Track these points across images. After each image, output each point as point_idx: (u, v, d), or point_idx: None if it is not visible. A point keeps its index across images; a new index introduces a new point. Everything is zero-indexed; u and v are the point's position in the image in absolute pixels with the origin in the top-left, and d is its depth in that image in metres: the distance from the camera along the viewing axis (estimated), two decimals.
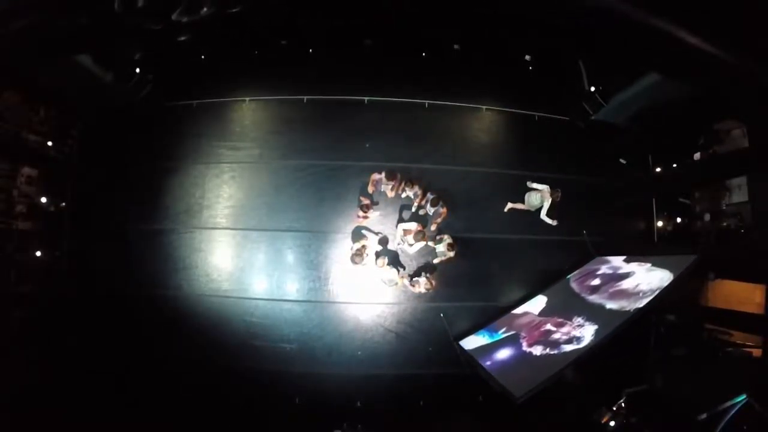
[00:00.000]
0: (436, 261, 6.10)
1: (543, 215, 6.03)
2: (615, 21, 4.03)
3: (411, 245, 5.75)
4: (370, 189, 6.00)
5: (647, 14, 3.90)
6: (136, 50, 5.98)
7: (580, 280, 6.11)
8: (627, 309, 4.91)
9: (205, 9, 4.75)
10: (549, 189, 5.99)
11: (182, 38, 5.51)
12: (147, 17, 4.58)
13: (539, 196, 6.02)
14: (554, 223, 6.08)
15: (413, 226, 5.70)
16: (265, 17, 5.85)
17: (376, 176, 5.86)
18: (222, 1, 4.88)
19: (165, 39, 5.43)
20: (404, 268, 6.15)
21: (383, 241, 6.22)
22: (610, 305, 5.19)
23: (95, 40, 5.15)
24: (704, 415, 4.54)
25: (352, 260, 5.67)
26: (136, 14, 4.37)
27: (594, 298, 5.54)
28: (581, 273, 6.26)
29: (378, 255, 5.79)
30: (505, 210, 6.43)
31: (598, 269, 6.10)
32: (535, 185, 6.13)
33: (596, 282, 5.82)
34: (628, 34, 4.21)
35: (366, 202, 5.91)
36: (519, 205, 6.34)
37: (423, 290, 5.77)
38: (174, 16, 4.69)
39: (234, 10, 5.06)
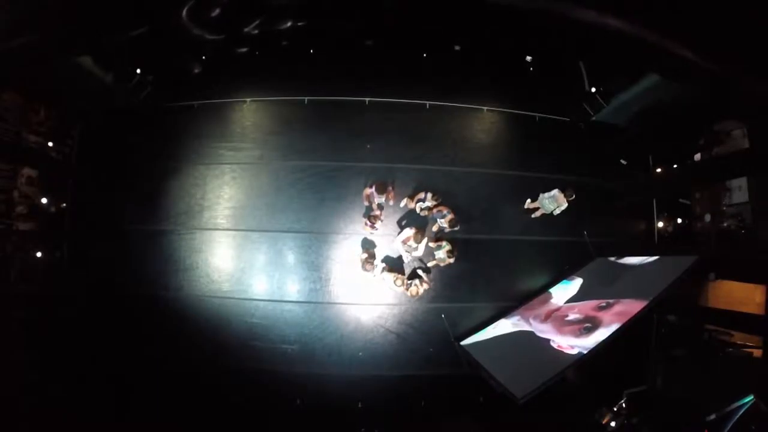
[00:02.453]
0: (431, 264, 6.08)
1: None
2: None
3: (416, 248, 5.74)
4: (365, 203, 6.01)
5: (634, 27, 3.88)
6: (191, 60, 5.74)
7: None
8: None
9: (289, 23, 4.56)
10: (560, 193, 5.93)
11: (241, 50, 5.26)
12: (213, 28, 4.39)
13: (554, 201, 6.02)
14: None
15: (410, 232, 5.63)
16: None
17: (368, 191, 5.81)
18: (299, 15, 4.68)
19: (221, 49, 5.13)
20: (404, 273, 6.14)
21: (400, 259, 6.16)
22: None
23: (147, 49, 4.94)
24: (713, 416, 4.52)
25: (363, 268, 5.70)
26: (203, 25, 4.18)
27: None
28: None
29: (396, 274, 5.73)
30: (524, 207, 6.41)
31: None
32: (546, 195, 6.10)
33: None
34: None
35: (376, 213, 5.87)
36: (535, 205, 6.29)
37: (409, 294, 5.78)
38: (247, 29, 4.51)
39: (300, 24, 4.89)
